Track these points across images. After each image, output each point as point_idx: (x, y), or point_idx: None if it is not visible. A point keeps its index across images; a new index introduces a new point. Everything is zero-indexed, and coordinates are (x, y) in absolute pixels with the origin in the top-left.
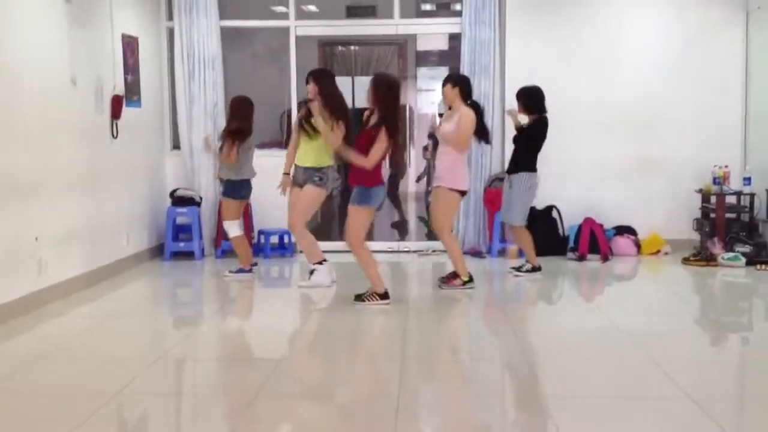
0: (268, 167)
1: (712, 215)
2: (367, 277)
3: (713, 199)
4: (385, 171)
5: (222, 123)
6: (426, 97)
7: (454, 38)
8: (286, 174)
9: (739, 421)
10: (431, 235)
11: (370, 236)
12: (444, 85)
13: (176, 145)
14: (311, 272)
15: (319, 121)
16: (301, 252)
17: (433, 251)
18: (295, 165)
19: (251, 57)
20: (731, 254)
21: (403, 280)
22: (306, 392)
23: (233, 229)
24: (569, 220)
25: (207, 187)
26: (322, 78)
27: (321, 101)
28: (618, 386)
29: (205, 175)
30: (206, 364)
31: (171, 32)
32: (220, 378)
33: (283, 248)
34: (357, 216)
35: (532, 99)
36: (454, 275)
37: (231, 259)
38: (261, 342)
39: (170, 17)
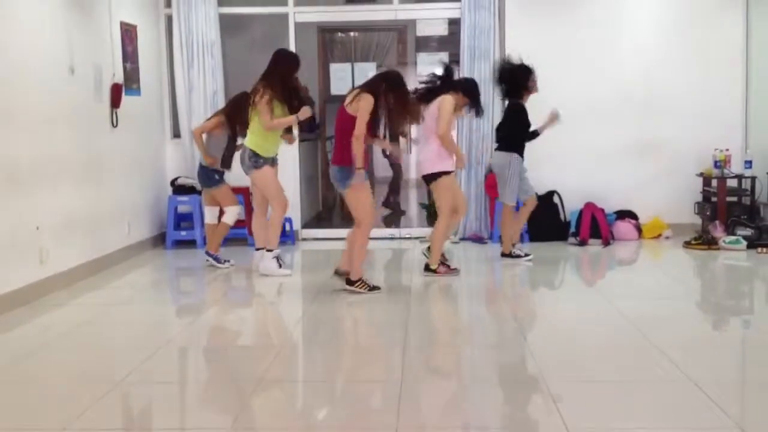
0: None
1: (714, 199)
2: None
3: (714, 182)
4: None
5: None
6: None
7: (454, 23)
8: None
9: (740, 403)
10: (432, 222)
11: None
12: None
13: (176, 134)
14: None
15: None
16: (304, 240)
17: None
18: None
19: (250, 44)
20: (732, 238)
21: (405, 267)
22: (308, 379)
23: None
24: (570, 205)
25: None
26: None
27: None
28: (620, 370)
29: None
30: (209, 352)
31: (169, 20)
32: (223, 366)
33: (284, 236)
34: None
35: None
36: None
37: (230, 247)
38: (263, 329)
39: (168, 4)
